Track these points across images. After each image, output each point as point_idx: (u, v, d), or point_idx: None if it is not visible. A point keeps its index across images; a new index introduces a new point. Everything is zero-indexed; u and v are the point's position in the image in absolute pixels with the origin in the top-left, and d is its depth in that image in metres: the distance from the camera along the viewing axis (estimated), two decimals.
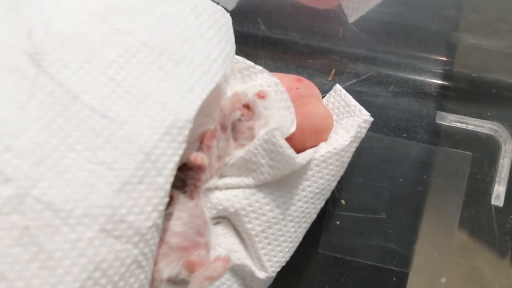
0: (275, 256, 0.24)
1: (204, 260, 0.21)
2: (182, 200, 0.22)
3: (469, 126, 0.30)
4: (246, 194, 0.23)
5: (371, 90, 0.30)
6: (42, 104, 0.17)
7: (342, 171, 0.25)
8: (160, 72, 0.19)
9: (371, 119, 0.25)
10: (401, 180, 0.29)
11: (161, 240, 0.20)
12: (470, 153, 0.29)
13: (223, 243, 0.23)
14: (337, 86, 0.27)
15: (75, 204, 0.16)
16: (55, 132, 0.17)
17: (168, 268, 0.21)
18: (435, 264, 0.29)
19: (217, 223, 0.24)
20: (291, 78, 0.25)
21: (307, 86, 0.26)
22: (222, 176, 0.23)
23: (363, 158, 0.29)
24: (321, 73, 0.30)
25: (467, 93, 0.30)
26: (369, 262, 0.29)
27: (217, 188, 0.23)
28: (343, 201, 0.29)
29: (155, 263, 0.20)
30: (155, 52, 0.19)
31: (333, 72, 0.30)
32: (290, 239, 0.24)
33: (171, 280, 0.21)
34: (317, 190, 0.24)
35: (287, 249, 0.24)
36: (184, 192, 0.22)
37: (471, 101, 0.30)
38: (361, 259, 0.29)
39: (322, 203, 0.25)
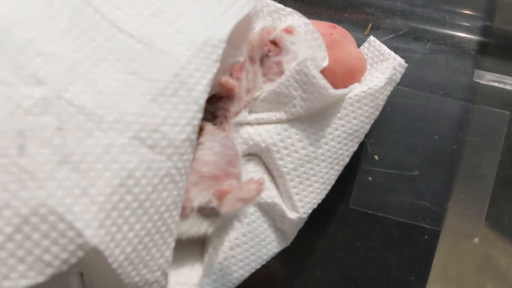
0: (306, 196, 0.24)
1: (233, 188, 0.21)
2: (213, 131, 0.22)
3: (507, 86, 0.29)
4: (278, 129, 0.23)
5: (408, 46, 0.30)
6: (73, 17, 0.17)
7: (376, 113, 0.25)
8: None
9: (406, 64, 0.25)
10: (436, 137, 0.29)
11: (192, 169, 0.21)
12: (508, 112, 0.29)
13: None
14: (371, 38, 0.27)
15: (108, 109, 0.16)
16: (87, 42, 0.17)
17: (199, 197, 0.21)
18: (468, 223, 0.29)
19: (248, 160, 0.24)
20: (324, 24, 0.26)
21: (341, 32, 0.26)
22: (252, 111, 0.23)
23: (398, 115, 0.29)
24: (356, 27, 0.30)
25: (507, 50, 0.30)
26: (400, 219, 0.29)
27: (248, 123, 0.23)
28: (376, 157, 0.29)
29: (187, 191, 0.20)
30: None
31: (369, 26, 0.30)
32: (322, 180, 0.24)
33: (202, 211, 0.21)
34: (350, 131, 0.24)
35: (318, 191, 0.24)
36: (215, 125, 0.22)
37: (510, 59, 0.29)
38: (392, 216, 0.29)
39: (355, 146, 0.25)
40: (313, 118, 0.23)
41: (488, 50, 0.30)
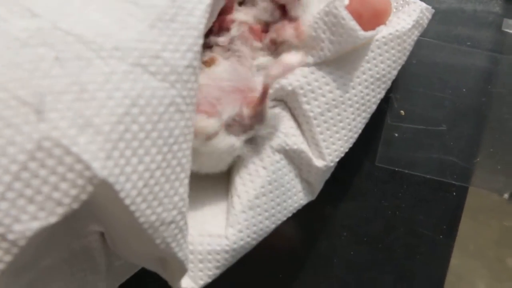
0: (333, 143, 0.23)
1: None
2: (231, 60, 0.22)
3: None
4: (304, 72, 0.23)
5: None
6: None
7: (403, 58, 0.24)
8: None
9: (433, 10, 0.25)
10: (464, 90, 0.29)
11: (211, 86, 0.21)
12: None
13: (280, 126, 0.23)
14: None
15: (107, 37, 0.16)
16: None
17: (227, 111, 0.21)
18: (498, 178, 0.29)
19: (273, 106, 0.24)
20: None
21: None
22: (278, 55, 0.23)
23: (424, 67, 0.29)
24: None
25: None
26: (428, 176, 0.29)
27: None
28: (402, 112, 0.29)
29: (213, 105, 0.20)
30: None
31: None
32: (349, 127, 0.24)
33: (229, 129, 0.21)
34: (377, 75, 0.24)
35: (346, 138, 0.24)
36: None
37: None
38: (419, 173, 0.29)
39: (382, 93, 0.24)
40: (340, 61, 0.23)
41: None
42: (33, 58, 0.15)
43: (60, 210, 0.15)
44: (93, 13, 0.17)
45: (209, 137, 0.21)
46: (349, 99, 0.23)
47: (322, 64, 0.23)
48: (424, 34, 0.28)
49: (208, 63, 0.22)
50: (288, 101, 0.23)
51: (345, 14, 0.21)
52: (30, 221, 0.15)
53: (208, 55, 0.22)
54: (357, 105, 0.24)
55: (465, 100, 0.29)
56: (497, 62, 0.29)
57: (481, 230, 0.30)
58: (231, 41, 0.23)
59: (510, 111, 0.29)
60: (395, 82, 0.28)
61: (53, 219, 0.15)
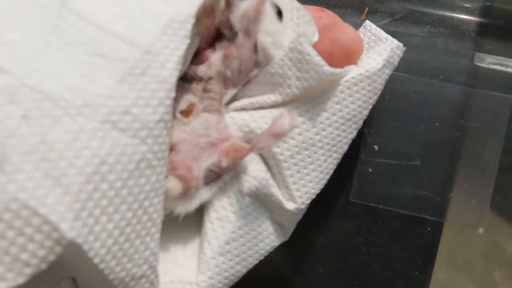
0: (304, 185, 0.23)
1: (242, 144, 0.21)
2: (202, 113, 0.22)
3: (509, 69, 0.29)
4: (273, 114, 0.23)
5: (406, 30, 0.29)
6: (33, 5, 0.17)
7: (374, 98, 0.24)
8: None
9: (404, 47, 0.25)
10: (437, 124, 0.29)
11: (189, 142, 0.21)
12: (510, 96, 0.28)
13: (249, 170, 0.23)
14: (367, 22, 0.26)
15: (75, 94, 0.16)
16: (51, 28, 0.17)
17: (203, 166, 0.21)
18: (472, 213, 0.29)
19: None
20: (313, 8, 0.25)
21: (330, 16, 0.26)
22: (246, 95, 0.23)
23: (397, 102, 0.29)
24: (353, 11, 0.30)
25: (508, 32, 0.29)
26: (402, 211, 0.29)
27: (243, 108, 0.23)
28: (376, 147, 0.29)
29: (188, 169, 0.20)
30: None
31: (366, 10, 0.30)
32: (320, 168, 0.23)
33: (206, 180, 0.22)
34: (348, 116, 0.23)
35: (317, 179, 0.23)
36: (207, 111, 0.22)
37: (511, 41, 0.29)
38: (394, 208, 0.29)
39: (354, 133, 0.24)
40: (309, 103, 0.23)
41: (488, 32, 0.29)
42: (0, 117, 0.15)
43: (28, 271, 0.15)
44: (62, 67, 0.16)
45: (177, 197, 0.21)
46: (320, 141, 0.23)
47: (291, 106, 0.23)
48: (396, 68, 0.28)
49: (185, 113, 0.22)
50: None
51: (310, 49, 0.21)
52: None
53: (186, 100, 0.22)
54: (328, 147, 0.23)
55: (438, 134, 0.29)
56: (469, 96, 0.29)
57: (469, 244, 0.30)
58: (208, 76, 0.22)
59: (483, 145, 0.29)
60: (368, 117, 0.28)
61: (21, 280, 0.15)
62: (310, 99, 0.23)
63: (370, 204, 0.29)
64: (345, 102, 0.23)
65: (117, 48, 0.17)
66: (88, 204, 0.16)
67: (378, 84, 0.24)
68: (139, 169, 0.17)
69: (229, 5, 0.22)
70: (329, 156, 0.24)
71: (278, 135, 0.20)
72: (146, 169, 0.18)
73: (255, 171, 0.23)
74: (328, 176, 0.24)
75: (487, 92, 0.29)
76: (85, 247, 0.16)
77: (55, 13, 0.17)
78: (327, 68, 0.21)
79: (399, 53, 0.25)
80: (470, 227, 0.29)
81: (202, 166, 0.21)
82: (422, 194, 0.29)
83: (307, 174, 0.23)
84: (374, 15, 0.30)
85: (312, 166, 0.23)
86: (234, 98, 0.23)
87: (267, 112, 0.23)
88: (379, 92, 0.25)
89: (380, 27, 0.27)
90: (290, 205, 0.23)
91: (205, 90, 0.22)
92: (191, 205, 0.21)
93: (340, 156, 0.24)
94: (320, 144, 0.23)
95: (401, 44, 0.25)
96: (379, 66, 0.24)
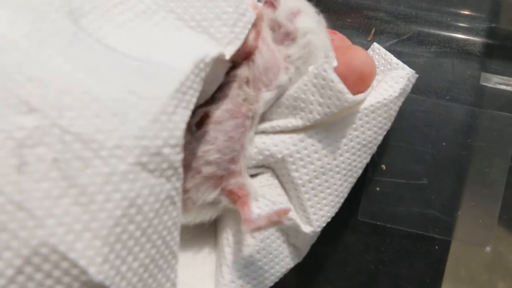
0: (321, 209, 0.24)
1: (245, 190, 0.22)
2: (220, 117, 0.22)
3: None
4: (294, 140, 0.23)
5: (412, 51, 0.30)
6: (64, 40, 0.17)
7: (388, 124, 0.25)
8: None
9: (417, 75, 0.26)
10: (443, 144, 0.29)
11: (193, 169, 0.21)
12: None
13: (268, 195, 0.24)
14: (375, 45, 0.27)
15: (107, 134, 0.16)
16: (79, 64, 0.17)
17: (202, 196, 0.21)
18: (479, 232, 0.29)
19: (261, 173, 0.24)
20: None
21: (341, 38, 0.26)
22: (267, 118, 0.24)
23: (404, 122, 0.29)
24: (360, 32, 0.30)
25: None
26: (410, 230, 0.29)
27: (263, 132, 0.23)
28: (383, 166, 0.29)
29: (187, 191, 0.21)
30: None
31: (372, 31, 0.30)
32: (336, 193, 0.24)
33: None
34: (364, 142, 0.24)
35: (332, 203, 0.24)
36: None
37: None
38: (402, 227, 0.29)
39: (368, 158, 0.25)
40: (328, 129, 0.23)
41: (494, 52, 0.30)
42: (30, 160, 0.15)
43: None
44: (94, 104, 0.16)
45: None
46: (337, 166, 0.24)
47: (311, 131, 0.23)
48: None
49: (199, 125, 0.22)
50: (276, 168, 0.24)
51: (334, 76, 0.22)
52: None
53: (199, 112, 0.22)
54: (344, 172, 0.24)
55: (445, 153, 0.29)
56: (476, 116, 0.29)
57: (473, 255, 0.30)
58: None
59: (490, 165, 0.29)
60: None
61: None
62: (330, 125, 0.23)
63: (378, 223, 0.29)
64: (362, 129, 0.24)
65: (148, 85, 0.17)
66: (116, 247, 0.16)
67: (393, 111, 0.25)
68: (164, 207, 0.18)
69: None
70: (344, 181, 0.24)
71: (274, 223, 0.21)
72: (169, 206, 0.18)
73: (273, 195, 0.24)
74: (342, 200, 0.25)
75: (494, 112, 0.29)
76: (112, 287, 0.16)
77: (87, 47, 0.17)
78: (350, 96, 0.22)
79: (413, 81, 0.26)
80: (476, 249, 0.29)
81: (199, 194, 0.21)
82: (429, 213, 0.29)
83: (324, 198, 0.24)
84: (380, 35, 0.30)
85: (328, 191, 0.24)
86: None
87: (287, 137, 0.23)
88: (393, 119, 0.25)
89: (387, 47, 0.28)
90: (307, 228, 0.24)
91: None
92: (190, 217, 0.22)
93: (354, 180, 0.25)
94: (337, 169, 0.24)
95: (414, 72, 0.25)
96: (396, 94, 0.24)
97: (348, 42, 0.26)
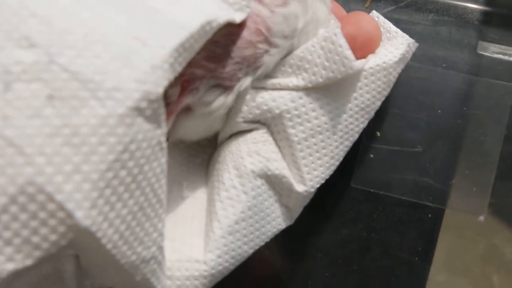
0: (315, 169, 0.24)
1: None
2: None
3: None
4: (293, 96, 0.23)
5: (409, 18, 0.30)
6: None
7: (387, 90, 0.25)
8: None
9: (417, 44, 0.26)
10: (439, 112, 0.29)
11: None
12: None
13: (262, 151, 0.23)
14: (374, 13, 0.27)
15: (106, 76, 0.15)
16: (86, 5, 0.16)
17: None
18: (473, 200, 0.29)
19: (256, 129, 0.24)
20: None
21: (337, 7, 0.27)
22: (270, 76, 0.23)
23: (399, 89, 0.29)
24: None
25: (511, 20, 0.29)
26: (403, 198, 0.29)
27: (263, 88, 0.23)
28: (378, 133, 0.29)
29: None
30: None
31: None
32: (331, 154, 0.24)
33: None
34: (362, 105, 0.24)
35: (327, 165, 0.24)
36: None
37: None
38: (395, 194, 0.29)
39: (365, 123, 0.25)
40: (328, 89, 0.23)
41: (492, 21, 0.30)
42: (24, 95, 0.15)
43: (37, 254, 0.15)
44: (96, 46, 0.16)
45: None
46: (334, 127, 0.24)
47: (311, 90, 0.23)
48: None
49: None
50: (272, 124, 0.24)
51: (343, 42, 0.22)
52: (5, 262, 0.15)
53: None
54: (341, 133, 0.24)
55: (440, 121, 0.29)
56: (472, 84, 0.29)
57: (468, 247, 0.30)
58: None
59: (485, 133, 0.29)
60: None
61: (29, 262, 0.15)
62: (329, 86, 0.23)
63: (371, 190, 0.29)
64: (361, 91, 0.24)
65: (155, 34, 0.17)
66: (105, 192, 0.16)
67: (392, 77, 0.25)
68: (154, 153, 0.17)
69: None
70: (340, 143, 0.24)
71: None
72: (159, 152, 0.18)
73: (267, 152, 0.24)
74: (338, 163, 0.25)
75: (490, 80, 0.29)
76: (99, 234, 0.16)
77: None
78: (355, 64, 0.22)
79: (413, 48, 0.26)
80: (469, 230, 0.29)
81: None
82: (423, 180, 0.29)
83: (319, 158, 0.24)
84: (378, 2, 0.30)
85: (324, 151, 0.24)
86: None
87: (286, 93, 0.23)
88: (392, 85, 0.25)
89: (384, 14, 0.28)
90: (300, 187, 0.24)
91: None
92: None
93: (350, 144, 0.25)
94: (334, 129, 0.24)
95: (414, 40, 0.26)
96: (396, 59, 0.24)
97: (344, 12, 0.26)
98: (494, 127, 0.29)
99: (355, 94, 0.24)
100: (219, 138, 0.25)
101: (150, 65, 0.16)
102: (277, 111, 0.23)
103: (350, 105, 0.24)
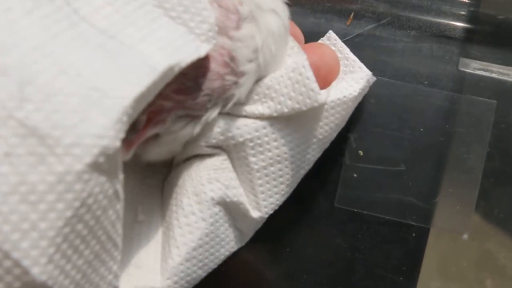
0: (271, 196, 0.24)
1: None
2: None
3: (494, 74, 0.29)
4: (257, 125, 0.23)
5: (391, 35, 0.30)
6: (45, 17, 0.16)
7: (343, 124, 0.26)
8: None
9: (375, 78, 0.27)
10: (422, 129, 0.29)
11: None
12: (494, 101, 0.29)
13: (222, 178, 0.24)
14: (331, 34, 0.27)
15: (65, 131, 0.15)
16: (48, 54, 0.16)
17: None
18: (457, 219, 0.29)
19: (216, 155, 0.24)
20: None
21: (295, 29, 0.26)
22: (236, 103, 0.23)
23: (382, 107, 0.29)
24: (339, 17, 0.30)
25: (493, 37, 0.30)
26: (387, 217, 0.29)
27: (228, 113, 0.23)
28: (361, 152, 0.29)
29: None
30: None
31: (351, 16, 0.30)
32: (287, 182, 0.25)
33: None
34: (321, 136, 0.25)
35: (283, 192, 0.25)
36: None
37: (496, 46, 0.30)
38: (379, 214, 0.29)
39: (321, 152, 0.26)
40: (291, 119, 0.24)
41: (474, 38, 0.30)
42: None
43: None
44: (55, 97, 0.15)
45: None
46: (292, 156, 0.24)
47: (274, 120, 0.23)
48: (382, 73, 0.29)
49: None
50: (233, 151, 0.24)
51: (311, 75, 0.22)
52: None
53: None
54: (298, 162, 0.25)
55: (423, 139, 0.29)
56: (454, 101, 0.29)
57: (461, 252, 0.30)
58: None
59: (468, 151, 0.29)
60: (353, 122, 0.28)
61: None
62: (292, 116, 0.24)
63: (355, 210, 0.29)
64: (321, 123, 0.25)
65: (117, 82, 0.17)
66: (62, 246, 0.16)
67: (350, 110, 0.26)
68: (110, 202, 0.17)
69: None
70: (296, 172, 0.25)
71: None
72: (114, 200, 0.18)
73: (227, 179, 0.24)
74: (291, 190, 0.25)
75: (472, 97, 0.29)
76: (55, 287, 0.16)
77: (71, 26, 0.17)
78: (320, 97, 0.23)
79: (372, 82, 0.27)
80: (455, 237, 0.29)
81: None
82: (407, 199, 0.29)
83: (275, 186, 0.24)
84: (359, 20, 0.30)
85: (281, 179, 0.24)
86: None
87: (251, 122, 0.23)
88: (346, 119, 0.26)
89: (366, 32, 0.28)
90: (255, 213, 0.24)
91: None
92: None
93: (305, 173, 0.26)
94: (292, 159, 0.24)
95: (371, 73, 0.26)
96: (355, 93, 0.25)
97: (301, 37, 0.27)
98: (476, 144, 0.29)
99: (315, 126, 0.24)
100: (176, 159, 0.26)
101: (109, 119, 0.16)
102: (240, 139, 0.23)
103: (310, 136, 0.24)
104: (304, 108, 0.23)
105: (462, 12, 0.30)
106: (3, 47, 0.15)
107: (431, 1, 0.30)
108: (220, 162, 0.24)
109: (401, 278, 0.29)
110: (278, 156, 0.24)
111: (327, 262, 0.29)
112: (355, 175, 0.29)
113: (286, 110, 0.23)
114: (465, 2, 0.30)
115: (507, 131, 0.29)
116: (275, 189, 0.24)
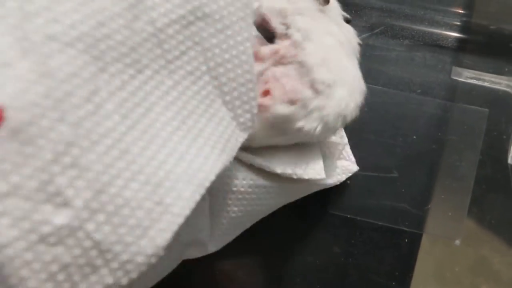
0: (228, 239, 0.25)
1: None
2: None
3: (485, 83, 0.30)
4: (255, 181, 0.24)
5: (385, 44, 0.30)
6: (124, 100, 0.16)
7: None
8: None
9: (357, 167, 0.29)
10: (414, 137, 0.29)
11: None
12: (486, 109, 0.29)
13: (193, 224, 0.24)
14: None
15: (125, 248, 0.15)
16: (126, 141, 0.16)
17: None
18: (449, 225, 0.29)
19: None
20: None
21: None
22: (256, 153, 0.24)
23: (375, 115, 0.29)
24: None
25: (484, 47, 0.30)
26: (380, 223, 0.29)
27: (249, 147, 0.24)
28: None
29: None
30: None
31: None
32: (241, 231, 0.26)
33: None
34: (291, 200, 0.27)
35: (235, 236, 0.25)
36: None
37: (488, 56, 0.30)
38: (372, 220, 0.29)
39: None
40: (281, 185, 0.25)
41: (466, 47, 0.30)
42: (44, 258, 0.14)
43: None
44: (123, 209, 0.15)
45: None
46: (264, 213, 0.26)
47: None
48: (375, 81, 0.29)
49: None
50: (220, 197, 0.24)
51: None
52: None
53: None
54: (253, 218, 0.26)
55: (416, 147, 0.30)
56: (447, 109, 0.30)
57: (457, 258, 0.30)
58: None
59: (460, 158, 0.29)
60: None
61: None
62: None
63: (348, 216, 0.30)
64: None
65: (172, 200, 0.17)
66: None
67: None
68: None
69: None
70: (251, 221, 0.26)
71: None
72: None
73: (198, 225, 0.24)
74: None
75: (464, 105, 0.30)
76: None
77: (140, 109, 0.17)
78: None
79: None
80: (460, 244, 0.30)
81: None
82: (400, 206, 0.29)
83: (235, 234, 0.25)
84: (354, 28, 0.30)
85: (241, 228, 0.25)
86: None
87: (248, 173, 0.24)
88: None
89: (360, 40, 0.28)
90: (212, 248, 0.24)
91: None
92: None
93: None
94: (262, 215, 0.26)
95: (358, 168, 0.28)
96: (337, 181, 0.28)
97: None
98: (468, 152, 0.29)
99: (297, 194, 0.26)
100: None
101: (164, 239, 0.16)
102: (234, 189, 0.24)
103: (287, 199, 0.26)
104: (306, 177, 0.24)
105: (455, 22, 0.31)
106: (85, 142, 0.15)
107: (424, 11, 0.31)
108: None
109: (393, 283, 0.30)
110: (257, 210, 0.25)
111: (320, 267, 0.30)
112: (348, 182, 0.30)
113: (294, 177, 0.23)
114: (458, 12, 0.31)
115: (499, 139, 0.30)
116: (235, 234, 0.25)
